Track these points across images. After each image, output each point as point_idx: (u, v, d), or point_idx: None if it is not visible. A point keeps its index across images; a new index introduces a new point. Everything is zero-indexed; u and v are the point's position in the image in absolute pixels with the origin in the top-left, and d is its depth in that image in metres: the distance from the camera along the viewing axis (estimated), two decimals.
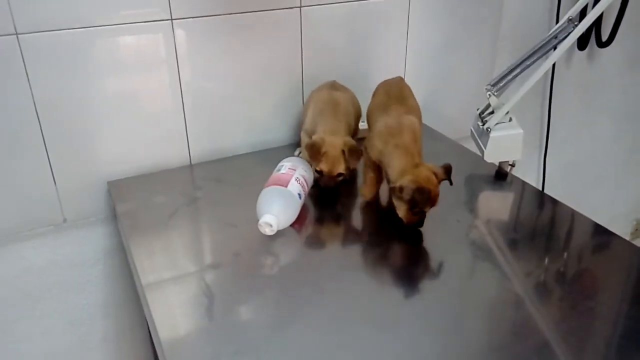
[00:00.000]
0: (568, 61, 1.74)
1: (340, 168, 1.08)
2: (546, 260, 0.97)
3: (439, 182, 0.97)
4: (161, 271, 0.91)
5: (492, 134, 1.17)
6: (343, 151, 1.07)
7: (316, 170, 1.09)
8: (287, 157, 1.12)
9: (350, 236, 1.04)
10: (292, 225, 1.00)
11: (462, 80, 1.53)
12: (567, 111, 1.83)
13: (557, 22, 1.48)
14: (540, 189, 1.83)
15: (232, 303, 0.85)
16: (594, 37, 1.69)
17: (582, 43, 1.69)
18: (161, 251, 0.97)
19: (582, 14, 1.14)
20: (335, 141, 1.08)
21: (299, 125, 1.23)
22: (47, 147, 1.10)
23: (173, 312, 0.83)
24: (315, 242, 1.02)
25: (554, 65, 1.66)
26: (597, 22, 1.66)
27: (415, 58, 1.43)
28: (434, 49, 1.46)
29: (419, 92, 1.47)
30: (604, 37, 1.68)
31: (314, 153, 1.07)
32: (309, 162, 1.11)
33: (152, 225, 1.03)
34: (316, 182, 1.11)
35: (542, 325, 0.81)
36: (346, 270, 0.93)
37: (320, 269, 0.93)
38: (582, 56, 1.75)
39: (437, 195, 0.96)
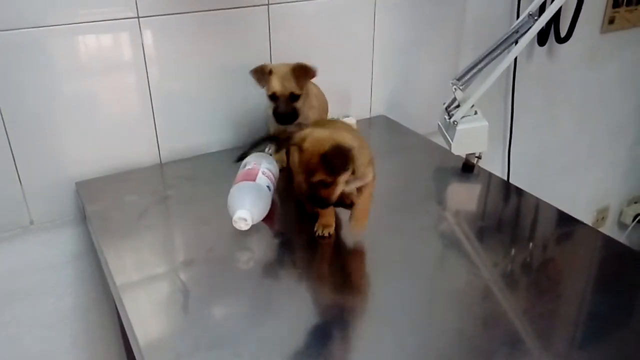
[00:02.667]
0: (529, 56, 1.79)
1: (292, 87, 1.08)
2: (513, 249, 0.99)
3: (325, 157, 0.83)
4: (135, 270, 0.91)
5: (458, 127, 1.19)
6: (293, 70, 1.07)
7: (269, 97, 1.09)
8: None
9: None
10: (263, 219, 1.00)
11: (428, 76, 1.56)
12: (529, 105, 1.88)
13: (518, 17, 1.52)
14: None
15: (208, 298, 0.85)
16: (553, 33, 1.75)
17: (542, 39, 1.74)
18: (134, 250, 0.96)
19: (542, 9, 1.18)
20: (282, 65, 1.09)
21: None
22: (12, 147, 1.07)
23: (149, 311, 0.83)
24: (288, 236, 1.02)
25: (515, 60, 1.71)
26: (556, 19, 1.71)
27: (383, 55, 1.45)
28: (400, 45, 1.48)
29: (387, 88, 1.50)
30: (563, 33, 1.74)
31: (260, 75, 1.09)
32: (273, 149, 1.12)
33: (123, 225, 1.02)
34: (274, 113, 1.10)
35: (510, 312, 0.83)
36: (318, 262, 0.94)
37: (293, 261, 0.94)
38: (542, 52, 1.80)
39: (310, 162, 0.84)
